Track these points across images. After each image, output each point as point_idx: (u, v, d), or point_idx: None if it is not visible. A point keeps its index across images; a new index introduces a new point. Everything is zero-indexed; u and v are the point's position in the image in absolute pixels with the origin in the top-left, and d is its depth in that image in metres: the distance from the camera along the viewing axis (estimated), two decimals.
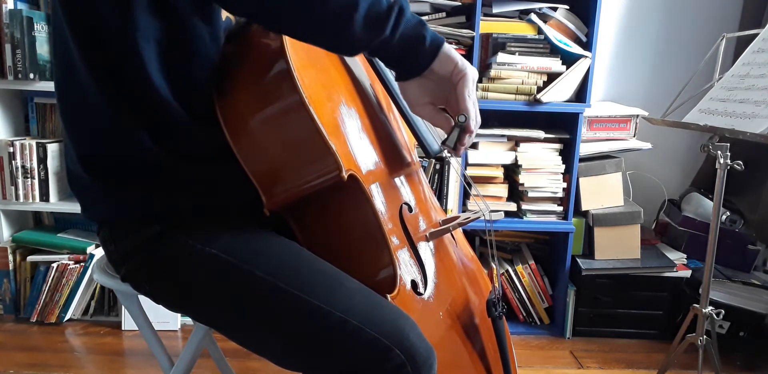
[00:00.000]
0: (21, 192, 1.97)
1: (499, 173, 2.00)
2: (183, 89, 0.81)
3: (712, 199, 1.97)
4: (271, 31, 0.81)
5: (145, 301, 0.94)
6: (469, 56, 1.91)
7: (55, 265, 1.99)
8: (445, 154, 1.04)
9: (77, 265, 2.00)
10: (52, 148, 1.97)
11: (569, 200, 2.00)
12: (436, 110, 0.88)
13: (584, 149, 1.99)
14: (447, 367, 0.87)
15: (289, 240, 0.86)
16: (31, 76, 1.87)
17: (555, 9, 1.96)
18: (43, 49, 1.89)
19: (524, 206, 2.01)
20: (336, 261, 0.83)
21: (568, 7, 1.97)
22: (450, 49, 0.83)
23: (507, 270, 2.09)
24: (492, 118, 2.03)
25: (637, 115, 2.02)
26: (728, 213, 2.09)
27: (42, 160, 1.96)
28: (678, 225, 2.13)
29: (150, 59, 0.78)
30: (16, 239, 2.05)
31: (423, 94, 0.86)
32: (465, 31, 1.87)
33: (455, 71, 0.83)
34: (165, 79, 0.79)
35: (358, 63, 1.03)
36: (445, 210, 1.96)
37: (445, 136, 0.88)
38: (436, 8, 1.92)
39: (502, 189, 2.01)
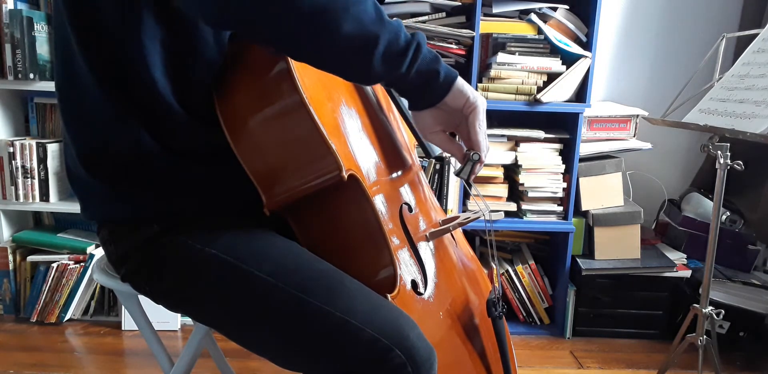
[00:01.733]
0: (21, 192, 1.97)
1: (499, 173, 2.00)
2: (185, 91, 0.81)
3: (712, 199, 1.97)
4: (291, 58, 0.80)
5: (145, 301, 0.94)
6: (469, 56, 1.91)
7: (55, 265, 1.99)
8: (445, 154, 1.05)
9: (77, 265, 2.00)
10: (52, 148, 1.97)
11: (569, 200, 2.00)
12: (447, 137, 0.91)
13: (584, 149, 1.99)
14: (447, 367, 0.87)
15: (289, 241, 0.86)
16: (31, 76, 1.87)
17: (555, 9, 1.96)
18: (43, 49, 1.89)
19: (524, 206, 2.01)
20: (336, 260, 0.83)
21: (568, 7, 1.97)
22: (462, 83, 0.85)
23: (507, 270, 2.09)
24: (492, 118, 2.03)
25: (637, 115, 2.02)
26: (728, 213, 2.09)
27: (42, 160, 1.96)
28: (678, 225, 2.13)
29: (154, 61, 0.78)
30: (16, 239, 2.05)
31: (435, 123, 0.89)
32: (465, 31, 1.87)
33: (467, 104, 0.86)
34: (168, 81, 0.80)
35: None
36: (445, 210, 1.96)
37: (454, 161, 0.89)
38: (436, 8, 1.92)
39: (502, 190, 2.01)
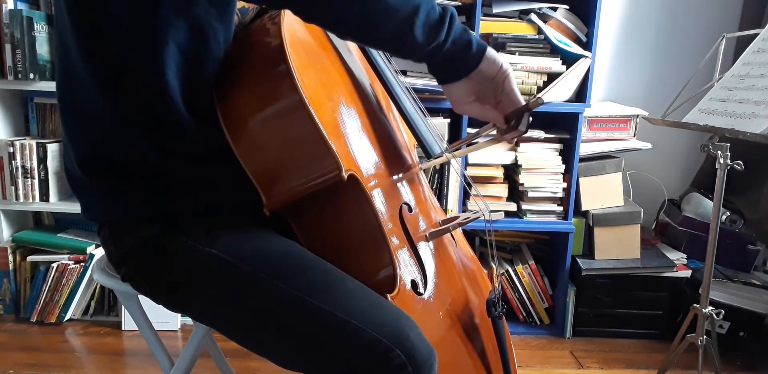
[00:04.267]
0: (21, 192, 1.97)
1: (499, 173, 2.00)
2: (191, 91, 0.81)
3: (712, 199, 1.97)
4: (338, 36, 0.84)
5: (145, 301, 0.94)
6: None
7: (55, 265, 1.99)
8: (448, 155, 1.04)
9: (77, 265, 2.00)
10: (52, 148, 1.97)
11: (569, 200, 2.00)
12: (481, 105, 0.94)
13: (584, 149, 1.99)
14: (447, 367, 0.87)
15: (290, 241, 0.86)
16: (31, 76, 1.87)
17: (555, 9, 1.96)
18: (43, 49, 1.89)
19: (524, 206, 2.01)
20: (336, 260, 0.83)
21: (568, 7, 1.97)
22: (493, 51, 0.90)
23: (507, 270, 2.09)
24: None
25: (637, 115, 2.02)
26: (728, 213, 2.09)
27: (42, 160, 1.96)
28: (678, 225, 2.13)
29: (168, 61, 0.77)
30: (16, 239, 2.05)
31: (468, 93, 0.92)
32: None
33: (500, 72, 0.90)
34: (179, 83, 0.79)
35: (358, 63, 1.03)
36: (445, 210, 1.96)
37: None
38: None
39: (502, 189, 2.01)
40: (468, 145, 1.05)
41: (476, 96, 0.93)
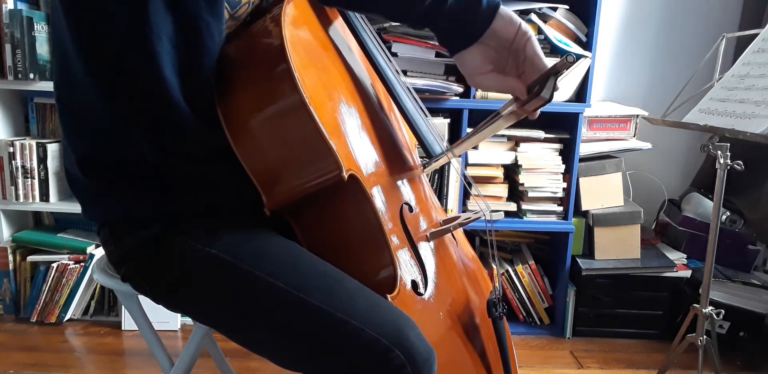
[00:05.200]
0: (21, 192, 1.97)
1: (499, 173, 2.00)
2: (190, 87, 0.80)
3: (712, 199, 1.97)
4: (324, 3, 0.79)
5: (145, 301, 0.94)
6: None
7: (55, 265, 1.99)
8: (449, 155, 1.04)
9: (77, 265, 2.00)
10: (52, 148, 1.97)
11: (569, 200, 2.00)
12: (500, 76, 0.85)
13: (584, 149, 1.99)
14: (447, 367, 0.87)
15: (290, 241, 0.86)
16: (31, 76, 1.87)
17: (555, 9, 1.96)
18: (43, 49, 1.89)
19: (524, 206, 2.01)
20: (336, 260, 0.83)
21: (568, 7, 1.96)
22: (508, 10, 0.81)
23: (507, 270, 2.09)
24: None
25: (637, 115, 2.02)
26: (728, 213, 2.09)
27: (42, 160, 1.96)
28: (678, 225, 2.13)
29: (163, 57, 0.77)
30: (16, 239, 2.05)
31: (484, 62, 0.84)
32: None
33: (519, 33, 0.81)
34: (177, 77, 0.79)
35: (359, 62, 1.03)
36: (446, 210, 1.96)
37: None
38: None
39: (502, 189, 2.01)
40: (483, 130, 0.96)
41: (494, 65, 0.84)
